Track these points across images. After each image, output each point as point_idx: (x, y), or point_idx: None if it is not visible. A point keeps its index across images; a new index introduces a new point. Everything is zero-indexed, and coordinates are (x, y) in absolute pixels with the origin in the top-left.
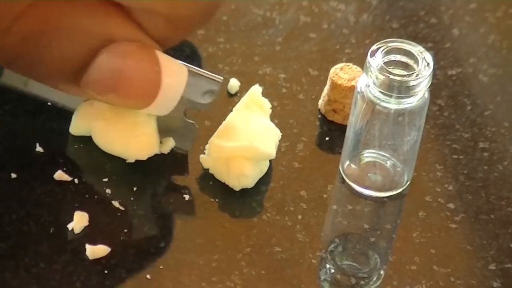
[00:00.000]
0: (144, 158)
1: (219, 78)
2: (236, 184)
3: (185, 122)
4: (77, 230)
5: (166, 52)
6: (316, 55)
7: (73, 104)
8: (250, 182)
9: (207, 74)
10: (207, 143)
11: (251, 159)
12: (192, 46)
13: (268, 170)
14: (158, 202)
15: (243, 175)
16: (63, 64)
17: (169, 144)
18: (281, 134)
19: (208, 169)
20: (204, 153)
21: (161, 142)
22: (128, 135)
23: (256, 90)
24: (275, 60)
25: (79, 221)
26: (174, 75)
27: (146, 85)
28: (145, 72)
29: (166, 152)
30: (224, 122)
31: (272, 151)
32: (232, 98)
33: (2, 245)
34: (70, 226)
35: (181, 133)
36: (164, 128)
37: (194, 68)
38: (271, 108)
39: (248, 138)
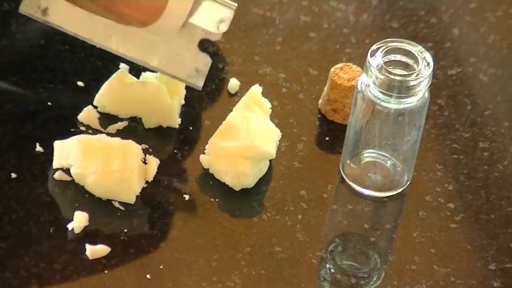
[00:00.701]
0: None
1: (234, 4)
2: (236, 183)
3: (198, 54)
4: (77, 230)
5: None
6: (316, 55)
7: (89, 36)
8: (250, 182)
9: (222, 0)
10: (207, 143)
11: (251, 158)
12: None
13: (268, 170)
14: (158, 202)
15: (243, 175)
16: None
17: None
18: (281, 134)
19: (208, 169)
20: (204, 153)
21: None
22: (114, 188)
23: (256, 90)
24: (275, 60)
25: (79, 221)
26: None
27: None
28: None
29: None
30: (224, 122)
31: (272, 151)
32: (232, 98)
33: (2, 245)
34: (70, 226)
35: (194, 67)
36: (177, 63)
37: None
38: (271, 108)
39: (248, 138)
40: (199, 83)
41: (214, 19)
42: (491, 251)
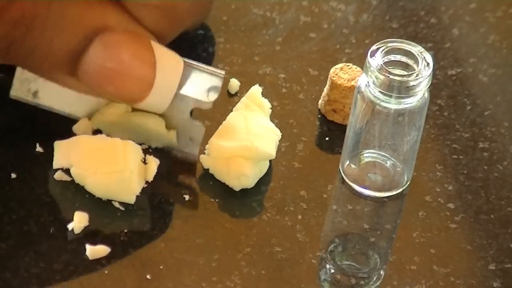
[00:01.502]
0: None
1: (221, 72)
2: (236, 184)
3: (191, 124)
4: (77, 230)
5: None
6: (316, 55)
7: (84, 115)
8: (250, 182)
9: (209, 69)
10: (207, 143)
11: (251, 159)
12: (192, 46)
13: (268, 170)
14: (158, 202)
15: (243, 175)
16: (56, 52)
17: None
18: (281, 134)
19: (208, 169)
20: (204, 153)
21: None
22: (115, 188)
23: (256, 90)
24: (275, 60)
25: (79, 221)
26: (170, 64)
27: (141, 74)
28: (139, 61)
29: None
30: (224, 122)
31: (272, 151)
32: (232, 98)
33: (2, 245)
34: (70, 226)
35: (188, 137)
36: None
37: (195, 64)
38: (271, 108)
39: (248, 138)
40: (195, 151)
41: (203, 88)
42: (491, 251)
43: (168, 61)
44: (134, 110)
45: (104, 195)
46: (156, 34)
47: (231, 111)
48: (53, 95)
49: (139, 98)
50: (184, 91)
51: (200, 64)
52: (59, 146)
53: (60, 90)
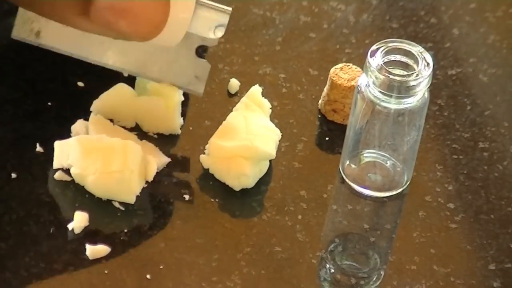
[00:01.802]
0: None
1: (228, 9)
2: (236, 184)
3: (197, 61)
4: (77, 230)
5: None
6: (316, 55)
7: (87, 55)
8: (250, 182)
9: (216, 6)
10: (207, 143)
11: (251, 159)
12: None
13: (268, 170)
14: (158, 202)
15: (243, 175)
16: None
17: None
18: (281, 134)
19: (208, 169)
20: (204, 153)
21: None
22: (114, 188)
23: (256, 90)
24: (275, 60)
25: (79, 221)
26: (182, 2)
27: (155, 9)
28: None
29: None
30: (224, 122)
31: (272, 151)
32: (232, 98)
33: (2, 245)
34: (70, 226)
35: (193, 74)
36: (176, 72)
37: (202, 0)
38: (271, 108)
39: (248, 138)
40: (200, 89)
41: (210, 25)
42: (491, 251)
43: None
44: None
45: (104, 195)
46: None
47: (231, 111)
48: (56, 35)
49: (152, 34)
50: (190, 28)
51: (206, 0)
52: (59, 146)
53: (64, 29)
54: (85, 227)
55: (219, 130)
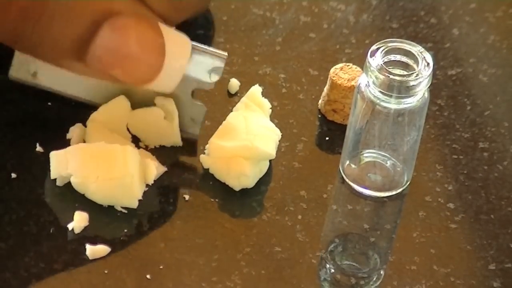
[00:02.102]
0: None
1: (224, 54)
2: (236, 184)
3: (193, 104)
4: (77, 230)
5: None
6: (316, 55)
7: (83, 95)
8: (250, 182)
9: (212, 50)
10: (207, 143)
11: (251, 159)
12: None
13: (268, 170)
14: (158, 202)
15: (243, 175)
16: (65, 41)
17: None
18: (281, 134)
19: (208, 169)
20: (204, 153)
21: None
22: (116, 194)
23: (256, 90)
24: (275, 60)
25: (79, 221)
26: (178, 46)
27: (150, 56)
28: (149, 44)
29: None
30: (224, 122)
31: (272, 151)
32: (232, 98)
33: (2, 245)
34: (70, 226)
35: (189, 117)
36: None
37: (198, 45)
38: (271, 108)
39: (248, 138)
40: (195, 131)
41: (206, 69)
42: (491, 251)
43: (177, 43)
44: (133, 108)
45: (106, 202)
46: (163, 18)
47: (231, 111)
48: (52, 76)
49: (148, 80)
50: (187, 71)
51: (202, 46)
52: (55, 157)
53: (60, 71)
54: (85, 227)
55: (219, 130)
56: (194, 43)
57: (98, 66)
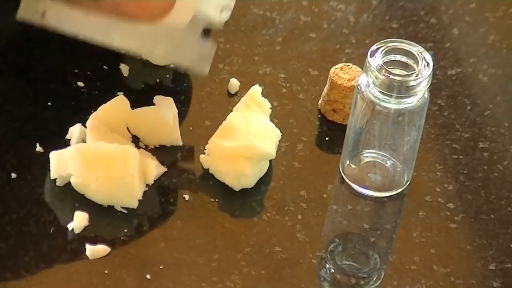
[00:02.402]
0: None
1: None
2: (236, 184)
3: (202, 43)
4: (77, 230)
5: None
6: (316, 55)
7: (90, 35)
8: (250, 182)
9: None
10: (207, 143)
11: (251, 158)
12: None
13: (268, 170)
14: (158, 202)
15: (243, 175)
16: None
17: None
18: (281, 134)
19: (208, 169)
20: (204, 153)
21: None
22: (116, 194)
23: (256, 90)
24: (275, 60)
25: (79, 221)
26: None
27: None
28: None
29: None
30: (224, 122)
31: (272, 151)
32: (232, 98)
33: (2, 245)
34: (70, 226)
35: (198, 56)
36: (181, 52)
37: None
38: (271, 108)
39: (248, 138)
40: (205, 69)
41: (216, 6)
42: (491, 251)
43: None
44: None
45: (106, 202)
46: None
47: (231, 111)
48: (61, 16)
49: (161, 15)
50: (196, 9)
51: None
52: (56, 157)
53: (68, 10)
54: (85, 227)
55: (219, 130)
56: None
57: (111, 3)
